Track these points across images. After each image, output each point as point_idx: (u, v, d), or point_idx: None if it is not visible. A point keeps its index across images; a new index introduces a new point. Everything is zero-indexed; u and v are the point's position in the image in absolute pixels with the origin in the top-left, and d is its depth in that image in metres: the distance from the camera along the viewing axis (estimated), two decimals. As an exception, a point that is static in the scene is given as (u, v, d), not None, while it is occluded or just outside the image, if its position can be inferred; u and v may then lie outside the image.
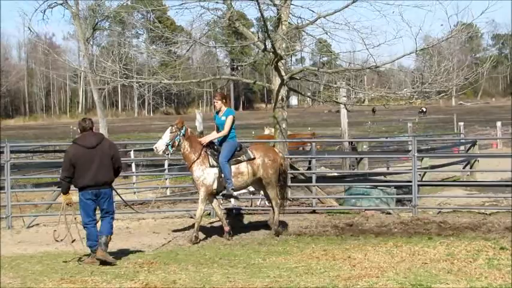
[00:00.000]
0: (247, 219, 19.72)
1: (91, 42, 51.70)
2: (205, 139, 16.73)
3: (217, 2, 22.57)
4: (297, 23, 22.63)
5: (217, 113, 16.90)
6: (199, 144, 16.39)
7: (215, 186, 16.50)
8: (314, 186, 21.19)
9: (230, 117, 16.56)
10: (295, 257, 13.92)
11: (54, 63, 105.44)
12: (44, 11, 33.86)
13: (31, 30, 39.71)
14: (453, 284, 11.11)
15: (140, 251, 15.15)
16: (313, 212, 20.48)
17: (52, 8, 34.50)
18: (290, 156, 23.29)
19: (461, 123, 42.71)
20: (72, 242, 13.99)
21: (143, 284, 11.49)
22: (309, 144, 31.07)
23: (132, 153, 28.53)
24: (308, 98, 43.68)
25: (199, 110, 33.05)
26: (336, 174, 26.02)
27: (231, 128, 16.65)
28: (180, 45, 26.03)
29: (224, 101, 16.91)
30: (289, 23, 22.38)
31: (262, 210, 20.90)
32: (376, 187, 21.47)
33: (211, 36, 28.75)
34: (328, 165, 31.71)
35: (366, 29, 21.25)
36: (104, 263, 13.33)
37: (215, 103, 16.92)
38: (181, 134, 16.06)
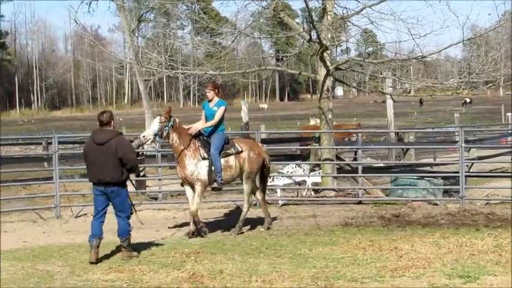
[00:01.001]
0: (293, 209, 19.74)
1: (136, 34, 51.91)
2: (195, 127, 16.11)
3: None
4: (342, 13, 22.56)
5: (209, 102, 16.43)
6: (188, 136, 15.78)
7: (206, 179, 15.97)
8: (360, 177, 21.18)
9: (222, 108, 16.22)
10: (342, 247, 13.89)
11: (100, 55, 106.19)
12: (90, 4, 33.94)
13: (77, 23, 39.90)
14: (501, 276, 11.05)
15: (187, 240, 15.21)
16: (360, 202, 20.48)
17: (98, 0, 34.71)
18: (336, 147, 23.30)
19: (510, 114, 42.27)
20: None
21: (190, 273, 11.58)
22: (354, 134, 30.94)
23: None
24: (353, 89, 43.51)
25: (244, 101, 33.10)
26: (382, 164, 25.97)
27: (221, 120, 16.28)
28: (225, 36, 26.10)
29: (216, 91, 16.45)
30: (334, 13, 22.35)
31: (309, 201, 21.03)
32: (422, 178, 21.36)
33: (256, 27, 28.82)
34: (374, 155, 31.51)
35: (412, 18, 21.14)
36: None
37: (207, 93, 16.45)
38: (170, 125, 15.38)
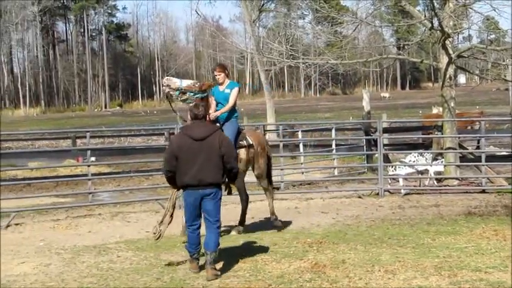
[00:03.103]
0: (415, 199, 19.58)
1: (257, 24, 52.47)
2: (215, 114, 14.19)
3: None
4: (464, 0, 22.32)
5: (219, 86, 14.67)
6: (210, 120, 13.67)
7: None
8: (483, 165, 20.87)
9: (236, 89, 14.64)
10: (465, 237, 13.75)
11: (221, 46, 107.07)
12: (211, -5, 34.35)
13: (198, 14, 40.69)
14: None
15: (309, 230, 15.25)
16: (483, 191, 20.19)
17: (219, -9, 34.90)
18: (458, 136, 23.01)
19: None
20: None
21: (312, 263, 11.62)
22: (477, 123, 30.51)
23: (299, 133, 28.78)
24: (476, 76, 42.69)
25: (366, 90, 32.98)
26: (505, 153, 25.46)
27: (235, 102, 14.79)
28: (346, 25, 26.08)
29: (227, 72, 14.82)
30: (456, 0, 22.08)
31: (431, 190, 20.83)
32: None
33: (377, 16, 28.58)
34: (497, 144, 30.88)
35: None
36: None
37: (217, 76, 14.60)
38: (199, 96, 13.42)
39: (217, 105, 14.48)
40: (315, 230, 15.21)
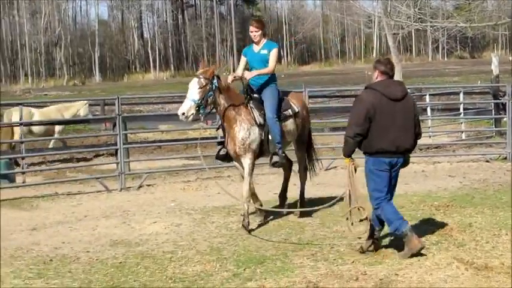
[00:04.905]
0: None
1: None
2: (251, 74, 12.10)
3: None
4: None
5: (253, 45, 12.46)
6: (239, 96, 12.02)
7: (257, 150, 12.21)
8: None
9: (275, 50, 12.24)
10: None
11: (348, 9, 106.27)
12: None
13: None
14: None
15: (436, 194, 15.09)
16: None
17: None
18: None
19: None
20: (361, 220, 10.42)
21: (439, 226, 11.58)
22: None
23: (427, 97, 28.44)
24: None
25: (494, 53, 32.26)
26: None
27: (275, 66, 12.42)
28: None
29: (265, 30, 12.55)
30: None
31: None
32: None
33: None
34: None
35: None
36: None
37: (254, 33, 12.21)
38: (214, 86, 11.43)
39: (250, 70, 12.39)
40: (442, 193, 15.10)
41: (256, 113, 11.90)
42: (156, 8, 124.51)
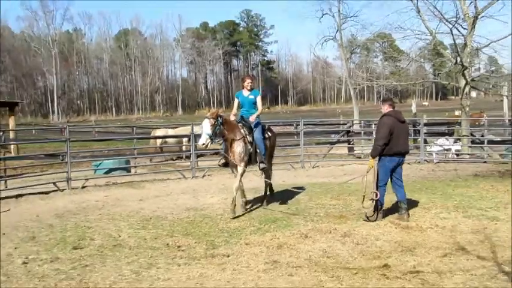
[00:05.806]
0: (442, 166, 19.75)
1: (349, 60, 52.99)
2: (253, 118, 11.82)
3: (426, 35, 23.37)
4: (477, 46, 22.89)
5: (242, 91, 12.06)
6: (236, 126, 11.65)
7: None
8: (485, 146, 21.44)
9: (260, 96, 11.96)
10: (473, 189, 13.76)
11: (327, 73, 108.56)
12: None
13: (315, 55, 41.53)
14: None
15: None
16: (485, 162, 20.28)
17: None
18: (470, 128, 23.37)
19: None
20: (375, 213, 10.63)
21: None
22: (482, 120, 30.76)
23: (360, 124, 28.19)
24: (482, 92, 42.83)
25: (413, 100, 33.35)
26: (499, 139, 24.86)
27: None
28: (402, 61, 27.32)
29: (254, 82, 12.30)
30: (471, 46, 22.38)
31: (453, 160, 20.79)
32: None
33: (422, 55, 29.15)
34: (495, 133, 30.49)
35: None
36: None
37: (250, 83, 11.93)
38: (220, 122, 11.18)
39: (239, 106, 12.03)
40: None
41: (247, 135, 11.53)
42: (215, 71, 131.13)
